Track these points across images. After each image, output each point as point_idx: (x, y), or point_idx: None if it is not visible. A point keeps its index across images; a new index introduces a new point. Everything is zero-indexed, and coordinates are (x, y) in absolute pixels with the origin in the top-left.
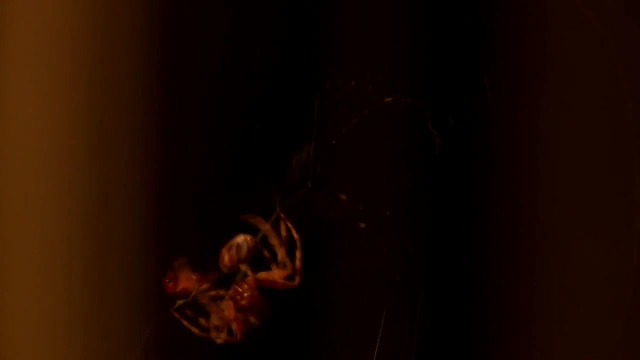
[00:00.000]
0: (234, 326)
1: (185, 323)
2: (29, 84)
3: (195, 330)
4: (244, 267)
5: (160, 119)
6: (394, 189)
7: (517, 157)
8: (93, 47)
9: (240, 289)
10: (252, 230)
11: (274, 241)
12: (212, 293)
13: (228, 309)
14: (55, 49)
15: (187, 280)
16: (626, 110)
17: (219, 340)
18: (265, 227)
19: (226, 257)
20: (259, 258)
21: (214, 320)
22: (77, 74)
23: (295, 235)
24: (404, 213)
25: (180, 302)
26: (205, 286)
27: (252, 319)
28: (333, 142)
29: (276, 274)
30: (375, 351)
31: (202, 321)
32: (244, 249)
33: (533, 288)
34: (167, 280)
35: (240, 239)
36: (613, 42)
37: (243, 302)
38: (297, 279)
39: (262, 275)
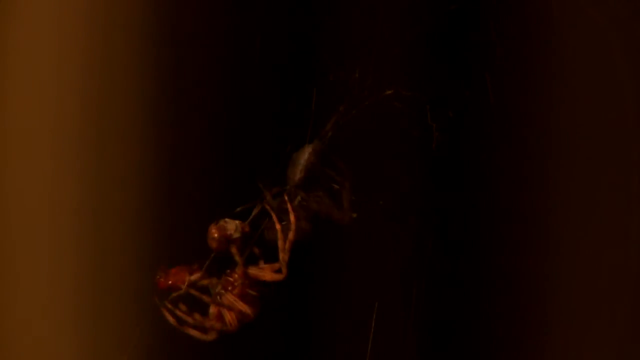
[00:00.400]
0: (227, 316)
1: (180, 314)
2: (38, 82)
3: (189, 320)
4: (234, 250)
5: (160, 115)
6: (390, 181)
7: (515, 153)
8: (94, 47)
9: (230, 279)
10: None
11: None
12: (205, 282)
13: (221, 298)
14: (64, 49)
15: (178, 273)
16: (628, 110)
17: (215, 328)
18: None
19: (213, 230)
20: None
21: (208, 310)
22: (88, 72)
23: (292, 219)
24: (399, 205)
25: (174, 295)
26: (196, 276)
27: (245, 309)
28: (330, 133)
29: (267, 272)
30: (369, 343)
31: (196, 313)
32: (232, 226)
33: (529, 283)
34: (159, 276)
35: (226, 219)
36: (617, 42)
37: (235, 291)
38: (284, 272)
39: (252, 270)
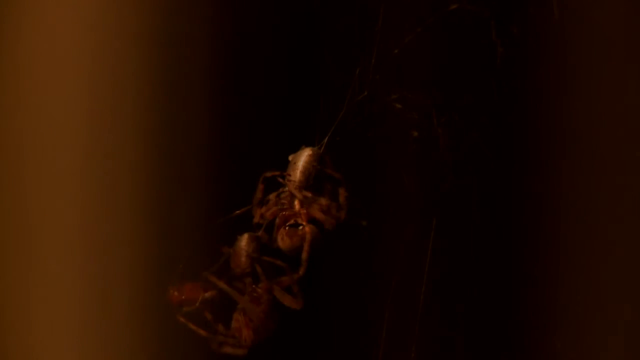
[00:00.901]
0: (245, 332)
1: (192, 327)
2: (43, 82)
3: (202, 333)
4: (258, 269)
5: (161, 117)
6: (390, 183)
7: (517, 154)
8: (99, 46)
9: (255, 295)
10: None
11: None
12: (219, 299)
13: (245, 314)
14: (70, 49)
15: (192, 289)
16: (629, 110)
17: (227, 347)
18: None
19: (244, 259)
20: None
21: (226, 325)
22: (94, 74)
23: (307, 229)
24: (400, 207)
25: (187, 309)
26: (210, 293)
27: (270, 324)
28: (337, 138)
29: (287, 297)
30: (380, 351)
31: (210, 328)
32: (254, 245)
33: (533, 283)
34: (172, 290)
35: (245, 239)
36: (617, 42)
37: (260, 308)
38: (302, 270)
39: (276, 291)
